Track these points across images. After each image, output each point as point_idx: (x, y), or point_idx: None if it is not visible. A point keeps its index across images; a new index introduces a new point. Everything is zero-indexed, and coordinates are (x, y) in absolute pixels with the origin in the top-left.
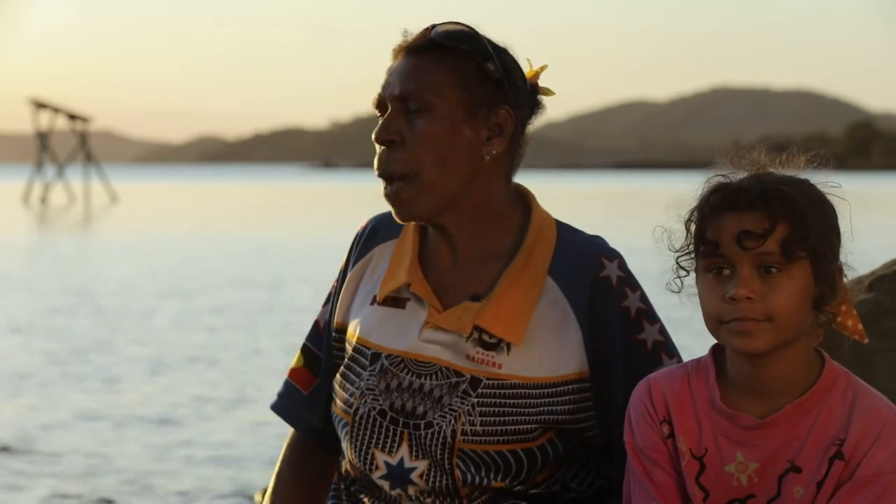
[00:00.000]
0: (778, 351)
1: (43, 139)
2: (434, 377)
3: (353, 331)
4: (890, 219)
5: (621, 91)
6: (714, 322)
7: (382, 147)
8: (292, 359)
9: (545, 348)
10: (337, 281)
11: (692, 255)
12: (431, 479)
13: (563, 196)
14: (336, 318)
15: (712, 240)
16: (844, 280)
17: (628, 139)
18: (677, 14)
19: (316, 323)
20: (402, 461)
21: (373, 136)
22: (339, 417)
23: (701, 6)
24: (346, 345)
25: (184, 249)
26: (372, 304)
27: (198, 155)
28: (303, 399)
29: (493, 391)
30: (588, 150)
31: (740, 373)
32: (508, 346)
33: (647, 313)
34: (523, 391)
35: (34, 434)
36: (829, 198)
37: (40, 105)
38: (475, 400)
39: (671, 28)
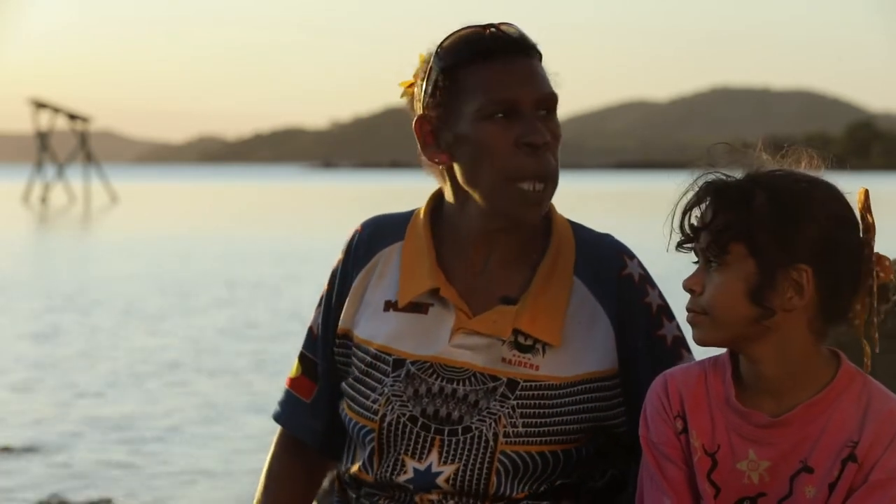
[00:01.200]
0: (754, 346)
1: (43, 139)
2: (468, 382)
3: (368, 337)
4: (890, 219)
5: (621, 91)
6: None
7: (528, 147)
8: (292, 362)
9: (579, 347)
10: (329, 285)
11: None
12: (458, 483)
13: (564, 196)
14: (340, 325)
15: (687, 234)
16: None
17: (628, 139)
18: (677, 14)
19: (310, 329)
20: (430, 466)
21: (536, 139)
22: (357, 424)
23: (701, 6)
24: (356, 350)
25: (184, 249)
26: (387, 310)
27: (198, 155)
28: (305, 408)
29: (531, 392)
30: (588, 150)
31: (747, 371)
32: (544, 347)
33: (666, 310)
34: (561, 391)
35: (34, 435)
36: (831, 200)
37: (40, 105)
38: (514, 402)
39: (671, 28)
